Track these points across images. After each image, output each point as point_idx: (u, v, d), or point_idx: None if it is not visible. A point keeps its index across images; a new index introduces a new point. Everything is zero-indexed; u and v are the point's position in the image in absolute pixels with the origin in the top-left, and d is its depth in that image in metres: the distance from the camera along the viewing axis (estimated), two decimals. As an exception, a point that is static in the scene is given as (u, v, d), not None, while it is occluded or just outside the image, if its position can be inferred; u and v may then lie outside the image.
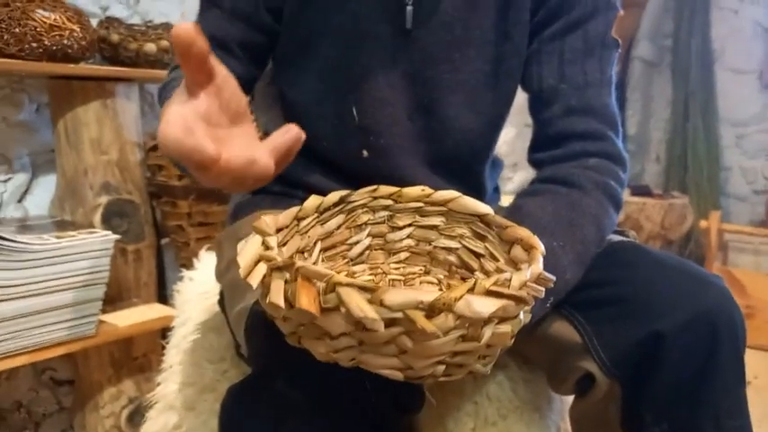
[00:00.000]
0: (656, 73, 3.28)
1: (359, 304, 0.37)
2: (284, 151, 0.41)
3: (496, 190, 0.93)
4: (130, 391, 1.37)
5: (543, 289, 0.44)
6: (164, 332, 1.17)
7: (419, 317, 0.37)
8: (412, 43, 0.71)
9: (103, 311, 1.22)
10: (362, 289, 0.38)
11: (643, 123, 3.30)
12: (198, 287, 1.00)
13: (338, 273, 0.58)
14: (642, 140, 3.31)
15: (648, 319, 0.58)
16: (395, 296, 0.37)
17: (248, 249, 0.43)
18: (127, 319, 1.25)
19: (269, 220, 0.47)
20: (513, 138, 2.43)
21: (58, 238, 1.08)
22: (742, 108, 2.99)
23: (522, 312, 0.43)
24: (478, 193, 0.83)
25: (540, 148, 0.75)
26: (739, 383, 0.60)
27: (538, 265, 0.46)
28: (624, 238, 0.72)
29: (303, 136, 0.43)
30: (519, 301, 0.41)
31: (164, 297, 1.49)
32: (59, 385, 1.46)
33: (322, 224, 0.56)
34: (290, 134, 0.42)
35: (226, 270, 0.72)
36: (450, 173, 0.78)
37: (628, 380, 0.60)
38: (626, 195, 2.71)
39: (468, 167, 0.79)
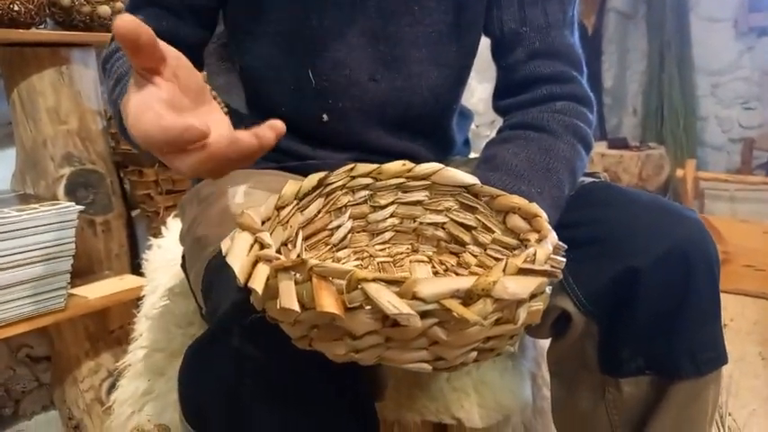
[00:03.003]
0: (632, 24, 3.25)
1: (390, 300, 0.34)
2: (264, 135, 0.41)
3: (467, 143, 0.91)
4: (109, 364, 1.36)
5: (564, 260, 0.43)
6: (138, 302, 1.15)
7: (457, 306, 0.35)
8: (367, 0, 0.68)
9: (74, 285, 1.20)
10: (389, 282, 0.35)
11: (619, 76, 3.28)
12: (166, 254, 0.98)
13: (324, 261, 0.55)
14: (619, 93, 3.30)
15: (624, 256, 0.58)
16: (428, 287, 0.35)
17: (239, 248, 0.39)
18: (98, 291, 1.23)
19: (252, 213, 0.43)
20: (491, 94, 2.40)
21: (19, 211, 1.05)
22: (717, 57, 2.99)
23: (547, 287, 0.42)
24: (447, 148, 0.82)
25: (506, 94, 0.74)
26: (715, 315, 0.60)
27: (553, 235, 0.44)
28: (596, 179, 0.71)
29: (283, 131, 0.43)
30: (550, 275, 0.40)
31: (138, 268, 1.47)
32: (36, 362, 1.44)
33: (302, 211, 0.53)
34: (274, 127, 0.42)
35: (186, 232, 0.71)
36: (416, 130, 0.76)
37: (604, 317, 0.60)
38: (603, 148, 2.72)
39: (435, 123, 0.78)
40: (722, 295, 0.61)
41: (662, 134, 3.01)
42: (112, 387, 1.35)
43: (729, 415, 1.36)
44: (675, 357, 0.59)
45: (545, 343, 0.74)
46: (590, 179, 0.71)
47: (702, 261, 0.58)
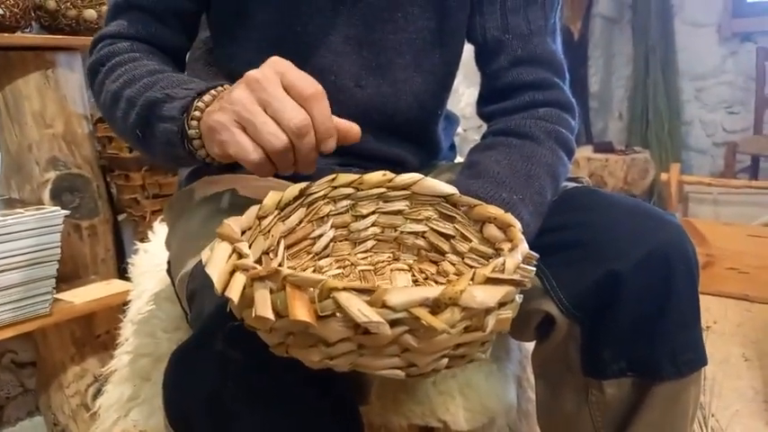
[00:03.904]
0: (617, 29, 3.29)
1: (360, 309, 0.35)
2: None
3: (452, 147, 0.92)
4: (95, 369, 1.35)
5: (534, 269, 0.44)
6: (124, 307, 1.15)
7: (425, 314, 0.36)
8: (350, 7, 0.69)
9: (60, 289, 1.19)
10: (360, 291, 0.36)
11: (605, 80, 3.31)
12: (153, 259, 0.98)
13: (305, 270, 0.56)
14: (605, 98, 3.33)
15: (605, 260, 0.59)
16: (397, 296, 0.36)
17: (218, 258, 0.40)
18: (84, 296, 1.22)
19: (232, 223, 0.44)
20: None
21: (3, 215, 1.05)
22: (701, 61, 3.03)
23: (517, 295, 0.43)
24: (433, 153, 0.83)
25: (490, 101, 0.75)
26: (695, 318, 0.61)
27: (524, 245, 0.45)
28: (578, 184, 0.72)
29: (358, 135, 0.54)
30: (517, 284, 0.41)
31: (124, 273, 1.46)
32: (21, 367, 1.43)
33: (283, 221, 0.54)
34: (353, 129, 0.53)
35: (171, 237, 0.71)
36: (402, 136, 0.76)
37: (587, 320, 0.61)
38: (589, 152, 2.74)
39: (421, 128, 0.78)
40: (706, 297, 0.62)
41: (647, 138, 3.04)
42: (98, 392, 1.34)
43: (713, 416, 1.38)
44: (656, 359, 0.59)
45: (530, 346, 0.75)
46: (573, 184, 0.71)
47: (682, 264, 0.59)
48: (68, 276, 1.28)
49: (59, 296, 1.19)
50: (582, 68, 3.07)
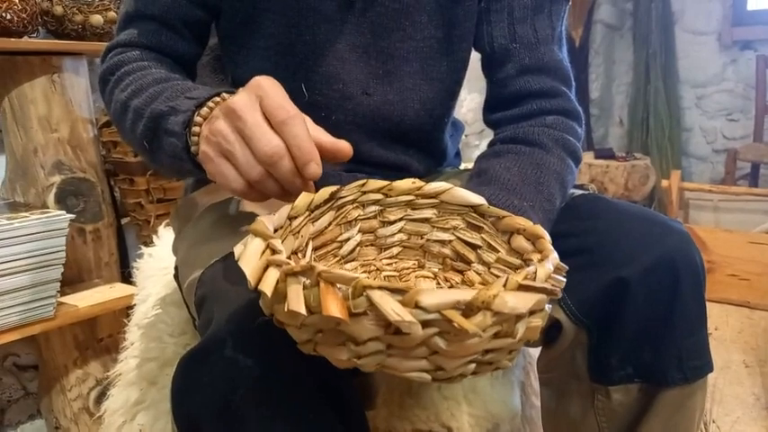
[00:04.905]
0: (618, 36, 3.30)
1: (393, 308, 0.35)
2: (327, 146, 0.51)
3: (458, 154, 0.92)
4: (97, 373, 1.35)
5: (564, 279, 0.44)
6: (128, 311, 1.15)
7: (457, 317, 0.36)
8: (359, 16, 0.69)
9: (63, 293, 1.20)
10: (393, 291, 0.36)
11: (606, 87, 3.33)
12: (158, 263, 0.98)
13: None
14: (605, 104, 3.34)
15: (613, 267, 0.59)
16: (431, 297, 0.36)
17: (251, 253, 0.40)
18: (87, 299, 1.22)
19: (265, 220, 0.45)
20: (479, 105, 2.43)
21: (9, 219, 1.05)
22: (702, 69, 3.04)
23: (546, 305, 0.43)
24: (439, 160, 0.83)
25: (497, 108, 0.75)
26: (701, 324, 0.61)
27: (554, 255, 0.45)
28: (585, 191, 0.72)
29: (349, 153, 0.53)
30: (549, 293, 0.41)
31: (129, 277, 1.46)
32: (23, 370, 1.43)
33: (313, 222, 0.54)
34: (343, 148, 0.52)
35: (179, 243, 0.71)
36: (409, 143, 0.76)
37: (594, 326, 0.62)
38: (590, 159, 2.75)
39: (427, 136, 0.78)
40: (707, 304, 0.62)
41: (648, 145, 3.05)
42: (101, 396, 1.34)
43: (714, 422, 1.38)
44: (663, 365, 0.60)
45: (534, 353, 0.75)
46: (579, 191, 0.72)
47: (689, 271, 0.59)
48: (72, 280, 1.28)
49: (63, 300, 1.19)
50: (583, 75, 3.08)
